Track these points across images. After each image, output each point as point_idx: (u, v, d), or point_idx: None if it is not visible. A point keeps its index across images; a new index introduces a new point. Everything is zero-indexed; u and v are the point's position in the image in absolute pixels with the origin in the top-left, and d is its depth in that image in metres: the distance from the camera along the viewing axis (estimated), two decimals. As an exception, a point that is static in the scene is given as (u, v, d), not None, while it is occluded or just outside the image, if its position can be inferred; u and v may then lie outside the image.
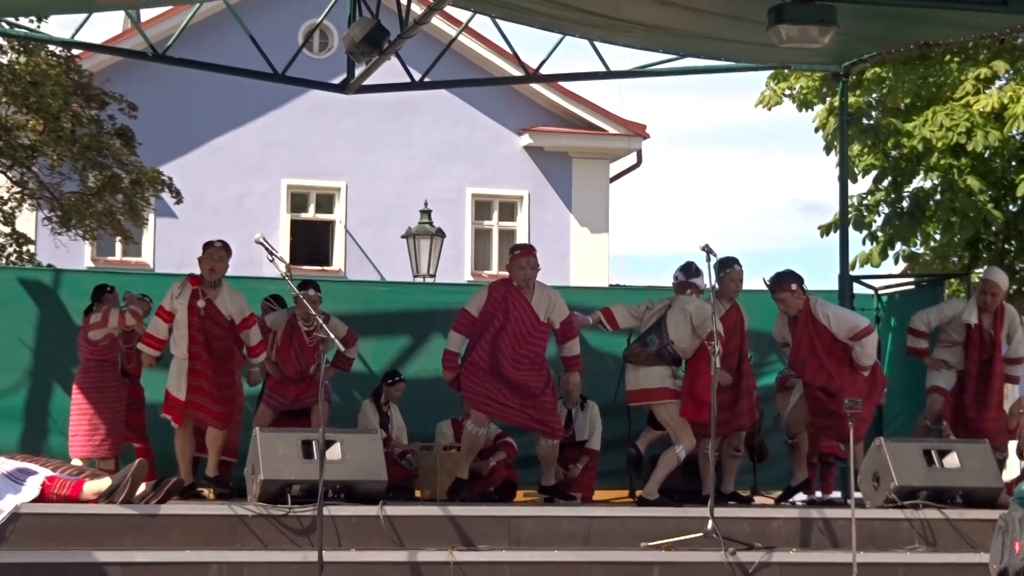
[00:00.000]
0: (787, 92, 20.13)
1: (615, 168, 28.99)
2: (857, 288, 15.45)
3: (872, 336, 12.33)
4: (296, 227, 27.35)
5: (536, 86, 26.75)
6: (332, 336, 10.31)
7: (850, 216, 18.23)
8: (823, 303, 12.51)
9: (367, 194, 27.28)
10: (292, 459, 10.67)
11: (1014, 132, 18.52)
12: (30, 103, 18.12)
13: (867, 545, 10.94)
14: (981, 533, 11.05)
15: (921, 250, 20.16)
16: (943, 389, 13.27)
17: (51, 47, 18.23)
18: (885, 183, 19.69)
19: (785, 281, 12.48)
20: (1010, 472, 13.20)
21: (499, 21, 15.11)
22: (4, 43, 18.35)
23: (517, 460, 13.68)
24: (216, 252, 12.26)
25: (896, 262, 20.15)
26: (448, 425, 13.57)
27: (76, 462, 12.26)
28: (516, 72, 18.12)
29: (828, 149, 19.73)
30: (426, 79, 16.00)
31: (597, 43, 15.15)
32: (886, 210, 19.74)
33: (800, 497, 13.97)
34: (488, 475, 13.17)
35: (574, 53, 78.04)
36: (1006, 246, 19.52)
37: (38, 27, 17.24)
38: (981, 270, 19.23)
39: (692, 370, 12.07)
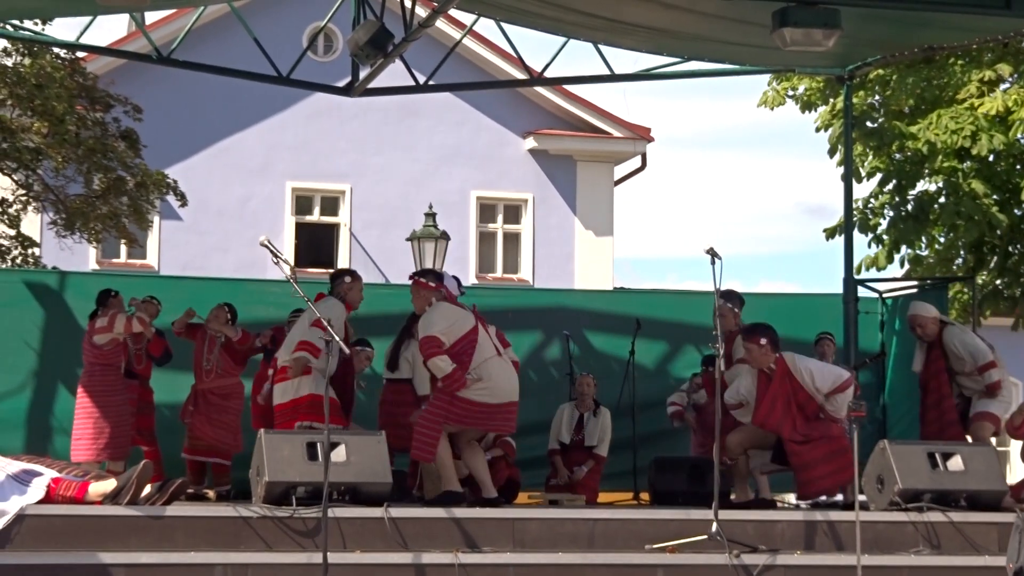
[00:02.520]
0: (790, 93, 20.13)
1: (619, 171, 28.97)
2: (861, 291, 15.49)
3: (851, 390, 11.99)
4: (301, 230, 27.35)
5: (540, 89, 26.77)
6: (338, 339, 10.33)
7: (855, 219, 18.24)
8: (800, 358, 12.16)
9: (371, 197, 27.29)
10: (297, 461, 10.69)
11: (1018, 136, 18.52)
12: (35, 106, 18.12)
13: (871, 548, 10.94)
14: (985, 536, 11.06)
15: (926, 253, 20.16)
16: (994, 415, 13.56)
17: (56, 50, 18.23)
18: (889, 186, 19.69)
19: (755, 334, 12.05)
20: (1015, 474, 13.20)
21: (503, 24, 15.13)
22: (9, 45, 18.35)
23: (521, 462, 13.70)
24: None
25: (901, 265, 20.16)
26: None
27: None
28: (520, 75, 18.17)
29: (832, 152, 19.72)
30: (430, 82, 16.04)
31: (601, 46, 15.18)
32: (891, 213, 19.74)
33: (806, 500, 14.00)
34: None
35: (578, 56, 78.02)
36: (1010, 249, 19.51)
37: (43, 30, 17.25)
38: (985, 272, 19.26)
39: None
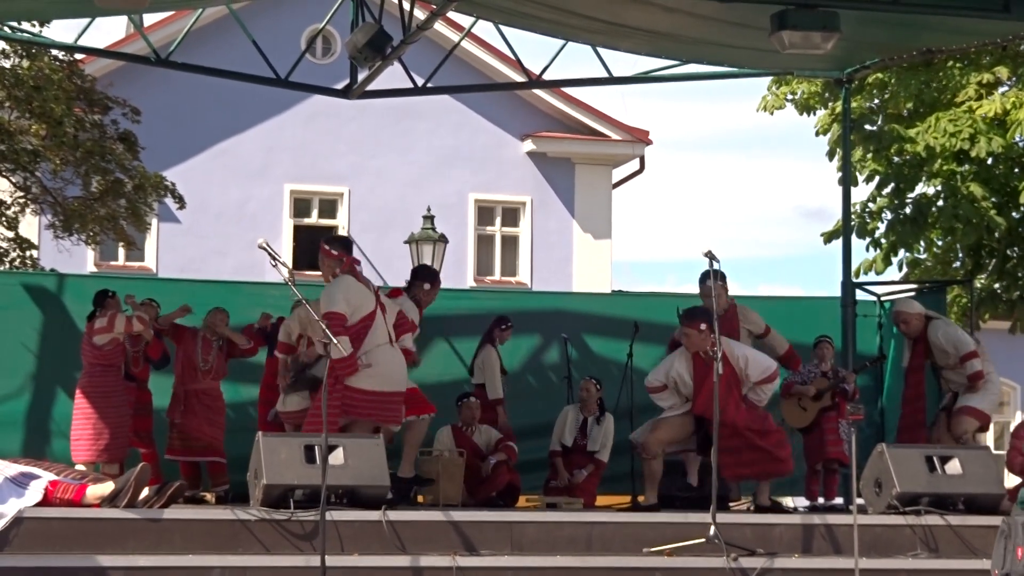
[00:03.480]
0: (789, 97, 20.14)
1: (618, 174, 28.98)
2: (860, 295, 15.47)
3: (776, 382, 12.21)
4: (299, 232, 27.35)
5: (539, 92, 26.78)
6: (335, 340, 10.32)
7: (853, 223, 18.24)
8: (737, 345, 12.28)
9: (370, 199, 27.29)
10: (295, 464, 10.67)
11: (1016, 139, 18.53)
12: (33, 108, 18.11)
13: (869, 551, 10.94)
14: (983, 539, 11.04)
15: (924, 256, 20.17)
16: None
17: (54, 52, 18.22)
18: (888, 189, 19.70)
19: (695, 319, 12.07)
20: (1011, 477, 13.20)
21: (502, 27, 15.13)
22: (7, 47, 18.34)
23: (518, 465, 13.70)
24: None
25: (900, 269, 20.16)
26: (448, 431, 13.56)
27: (79, 467, 12.26)
28: (519, 78, 18.15)
29: (831, 155, 19.73)
30: (429, 84, 16.03)
31: (600, 49, 15.17)
32: (889, 216, 19.75)
33: (802, 503, 13.99)
34: (489, 477, 13.18)
35: (577, 59, 78.01)
36: (1008, 252, 19.52)
37: (41, 31, 17.25)
38: (984, 276, 19.27)
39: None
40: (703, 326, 11.92)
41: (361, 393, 11.30)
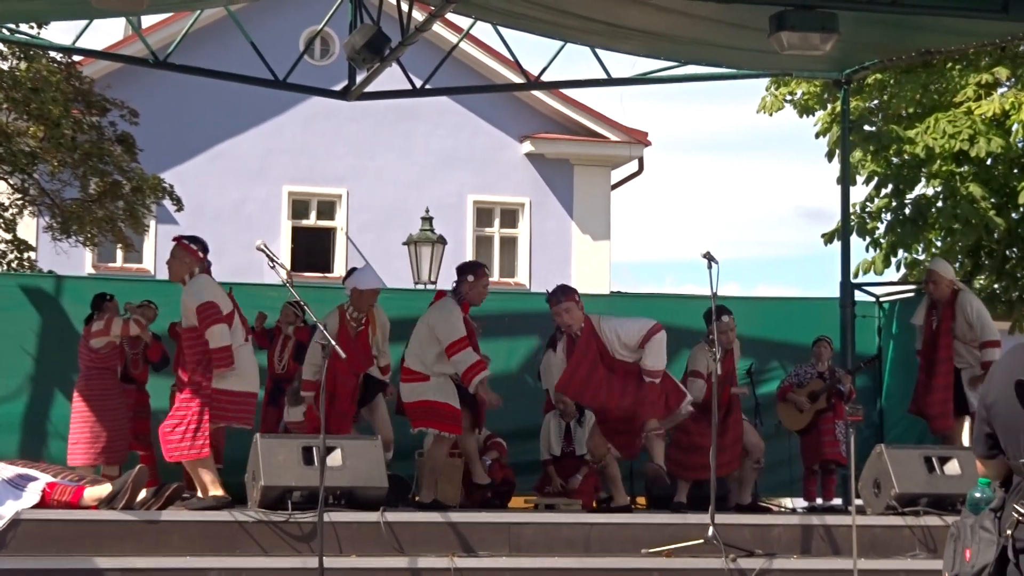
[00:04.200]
0: (788, 98, 20.13)
1: (616, 175, 28.97)
2: (859, 295, 15.46)
3: (661, 335, 11.76)
4: (297, 234, 27.34)
5: (537, 93, 26.76)
6: (332, 342, 10.31)
7: (853, 223, 18.23)
8: (605, 318, 11.99)
9: (368, 201, 27.27)
10: (292, 465, 10.66)
11: (1019, 141, 18.52)
12: (31, 109, 18.09)
13: (868, 552, 10.93)
14: (982, 540, 11.03)
15: (923, 257, 20.16)
16: None
17: (52, 53, 18.21)
18: (887, 190, 19.69)
19: (570, 293, 11.89)
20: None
21: (500, 28, 15.11)
22: (5, 49, 18.32)
23: (517, 466, 13.68)
24: None
25: (898, 269, 20.15)
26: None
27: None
28: (517, 79, 18.14)
29: (830, 155, 19.72)
30: (427, 86, 16.02)
31: (598, 50, 15.16)
32: (888, 217, 19.74)
33: (801, 504, 13.98)
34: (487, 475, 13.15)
35: (575, 60, 78.10)
36: (1007, 253, 19.52)
37: (38, 33, 17.24)
38: (983, 277, 19.26)
39: None
40: (577, 298, 11.78)
41: (224, 394, 11.11)
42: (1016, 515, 4.14)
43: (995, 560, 4.19)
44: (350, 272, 13.21)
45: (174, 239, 11.47)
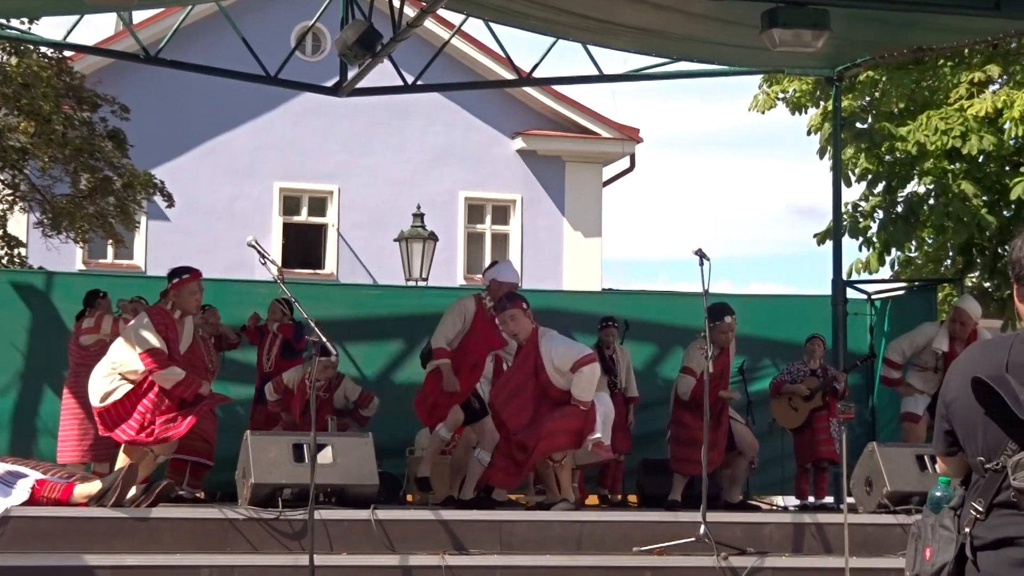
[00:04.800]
0: (780, 96, 20.12)
1: (608, 172, 28.95)
2: (850, 293, 15.46)
3: (593, 368, 11.44)
4: (288, 230, 27.30)
5: (529, 90, 26.73)
6: (324, 339, 10.28)
7: (845, 223, 18.23)
8: (549, 336, 11.68)
9: (360, 197, 27.24)
10: (283, 463, 10.64)
11: (1011, 140, 18.53)
12: (21, 105, 18.05)
13: (860, 550, 10.92)
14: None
15: (915, 255, 20.18)
16: (915, 415, 13.38)
17: (43, 49, 18.17)
18: (879, 188, 19.69)
19: (516, 301, 11.63)
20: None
21: (492, 24, 15.09)
22: (-4, 45, 18.30)
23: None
24: None
25: (892, 268, 20.16)
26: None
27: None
28: (509, 75, 18.14)
29: (822, 153, 19.72)
30: (419, 82, 15.99)
31: (590, 47, 15.13)
32: (881, 215, 19.74)
33: (792, 502, 13.97)
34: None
35: (567, 57, 77.99)
36: (999, 250, 19.52)
37: (29, 29, 17.19)
38: (975, 275, 19.26)
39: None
40: (524, 306, 11.55)
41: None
42: (974, 513, 4.14)
43: (954, 558, 4.19)
44: (492, 264, 12.99)
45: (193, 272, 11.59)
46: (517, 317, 11.49)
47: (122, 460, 11.22)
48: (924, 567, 4.33)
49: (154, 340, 11.11)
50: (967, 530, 4.17)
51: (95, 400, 11.24)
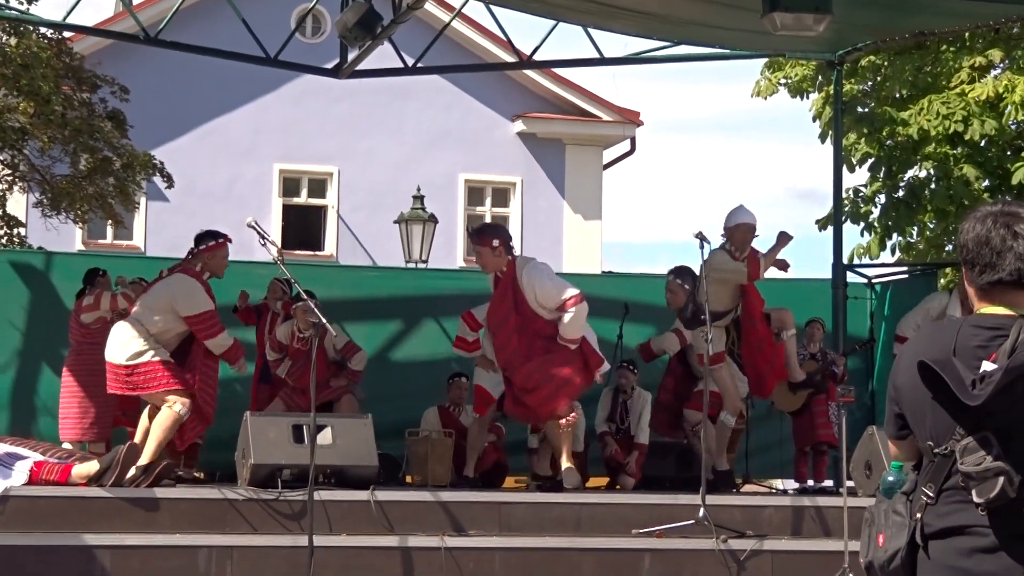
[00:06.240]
0: (783, 81, 20.09)
1: (608, 155, 28.93)
2: (851, 277, 15.45)
3: (581, 307, 11.40)
4: (288, 212, 27.29)
5: (529, 72, 26.67)
6: (323, 320, 10.27)
7: (846, 207, 18.21)
8: (530, 269, 11.51)
9: (359, 179, 27.22)
10: (282, 443, 10.64)
11: (1011, 123, 18.51)
12: (21, 86, 18.02)
13: (858, 533, 10.88)
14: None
15: (917, 239, 20.17)
16: None
17: (42, 29, 18.13)
18: (881, 173, 19.67)
19: (486, 235, 11.53)
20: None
21: (493, 7, 15.05)
22: (-5, 25, 18.26)
23: (508, 446, 13.66)
24: None
25: (894, 253, 20.14)
26: (434, 412, 13.51)
27: (66, 445, 12.20)
28: (509, 58, 18.10)
29: (824, 137, 19.70)
30: (419, 64, 15.96)
31: (591, 29, 15.10)
32: (882, 200, 19.73)
33: (792, 485, 13.97)
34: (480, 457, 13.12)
35: (568, 39, 77.94)
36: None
37: (28, 9, 17.16)
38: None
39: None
40: (495, 243, 11.47)
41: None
42: (924, 498, 4.13)
43: (906, 544, 4.17)
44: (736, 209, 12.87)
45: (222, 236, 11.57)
46: (483, 255, 11.55)
47: (144, 423, 11.15)
48: (877, 553, 4.31)
49: (209, 303, 11.07)
50: (918, 515, 4.15)
51: (120, 358, 11.06)
